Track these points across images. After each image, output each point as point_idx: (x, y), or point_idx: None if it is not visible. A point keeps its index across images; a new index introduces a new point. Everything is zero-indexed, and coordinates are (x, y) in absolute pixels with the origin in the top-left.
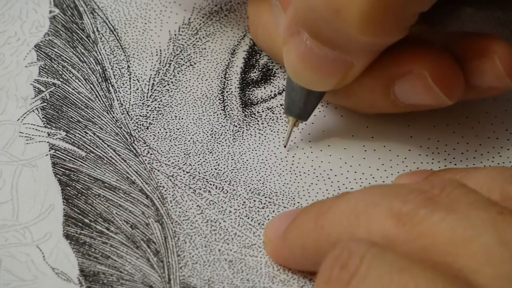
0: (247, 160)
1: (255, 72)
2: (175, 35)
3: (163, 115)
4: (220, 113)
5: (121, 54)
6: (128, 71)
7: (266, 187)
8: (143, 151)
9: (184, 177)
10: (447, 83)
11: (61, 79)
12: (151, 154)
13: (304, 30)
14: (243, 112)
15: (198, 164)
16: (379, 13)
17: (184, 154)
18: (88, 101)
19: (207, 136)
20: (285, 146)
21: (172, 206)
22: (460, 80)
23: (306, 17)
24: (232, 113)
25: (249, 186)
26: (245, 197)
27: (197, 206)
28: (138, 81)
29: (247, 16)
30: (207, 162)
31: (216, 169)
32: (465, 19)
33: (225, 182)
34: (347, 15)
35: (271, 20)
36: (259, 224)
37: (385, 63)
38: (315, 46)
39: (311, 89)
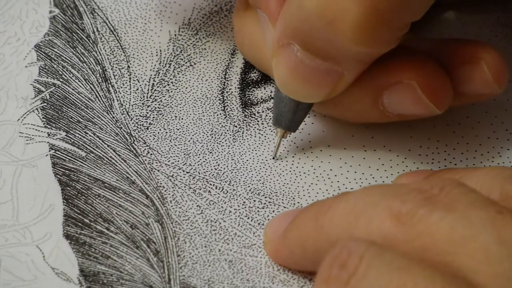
0: (247, 160)
1: (255, 72)
2: (175, 35)
3: (163, 115)
4: (220, 113)
5: (121, 54)
6: (128, 71)
7: (266, 187)
8: (143, 151)
9: (184, 177)
10: (436, 92)
11: (61, 79)
12: (151, 154)
13: (295, 41)
14: (243, 112)
15: (198, 164)
16: (373, 23)
17: (184, 154)
18: (88, 101)
19: (207, 136)
20: (273, 158)
21: (172, 206)
22: (448, 89)
23: (297, 29)
24: (232, 113)
25: (249, 186)
26: (245, 197)
27: (197, 206)
28: (138, 81)
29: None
30: (207, 162)
31: (216, 169)
32: (449, 23)
33: (225, 182)
34: (341, 26)
35: (257, 31)
36: (259, 224)
37: (374, 73)
38: (306, 57)
39: (301, 100)
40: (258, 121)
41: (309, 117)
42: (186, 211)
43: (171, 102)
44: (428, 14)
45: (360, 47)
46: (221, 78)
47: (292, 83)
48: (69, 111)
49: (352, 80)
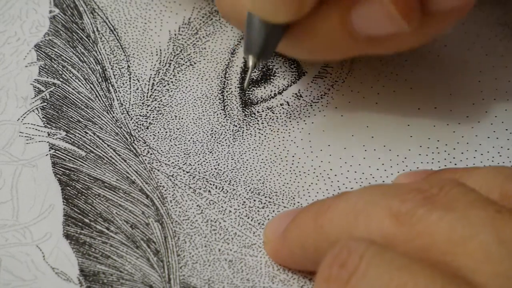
0: (247, 160)
1: (255, 72)
2: (175, 35)
3: (163, 115)
4: (220, 113)
5: (121, 54)
6: (128, 71)
7: (266, 187)
8: (143, 151)
9: (184, 177)
10: (404, 5)
11: (61, 79)
12: (151, 154)
13: None
14: (243, 112)
15: (198, 164)
16: None
17: (184, 154)
18: (88, 101)
19: (207, 136)
20: (244, 88)
21: (172, 206)
22: (415, 2)
23: None
24: (232, 113)
25: (249, 186)
26: (245, 197)
27: (197, 206)
28: (138, 81)
29: None
30: (207, 162)
31: (216, 169)
32: None
33: (225, 182)
34: None
35: None
36: (259, 224)
37: None
38: None
39: (271, 19)
40: (258, 121)
41: (308, 117)
42: (186, 211)
43: (171, 102)
44: None
45: None
46: (221, 77)
47: None
48: (69, 110)
49: None
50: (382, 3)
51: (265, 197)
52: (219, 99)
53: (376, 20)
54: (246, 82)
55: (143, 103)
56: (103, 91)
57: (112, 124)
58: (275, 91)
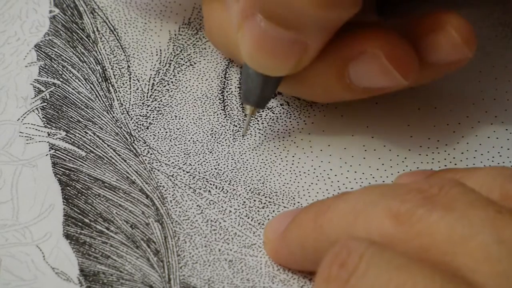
0: (247, 160)
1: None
2: (175, 35)
3: (163, 115)
4: (220, 113)
5: (121, 54)
6: (128, 71)
7: (266, 187)
8: (143, 151)
9: (184, 177)
10: (401, 61)
11: (61, 79)
12: (151, 154)
13: (258, 11)
14: (243, 112)
15: (198, 164)
16: None
17: (184, 154)
18: (88, 101)
19: (207, 136)
20: (243, 136)
21: (172, 206)
22: (413, 57)
23: None
24: (232, 113)
25: (249, 186)
26: (245, 197)
27: (197, 206)
28: (138, 81)
29: None
30: (207, 162)
31: (216, 169)
32: (418, 9)
33: (225, 182)
34: None
35: (224, 17)
36: (259, 224)
37: (338, 45)
38: (269, 28)
39: (268, 74)
40: (258, 121)
41: (308, 117)
42: (186, 211)
43: (171, 102)
44: (400, 6)
45: (319, 10)
46: (221, 78)
47: (257, 55)
48: (69, 110)
49: (317, 51)
50: (379, 59)
51: (265, 197)
52: (219, 99)
53: (373, 75)
54: (244, 130)
55: (143, 103)
56: (103, 91)
57: (112, 124)
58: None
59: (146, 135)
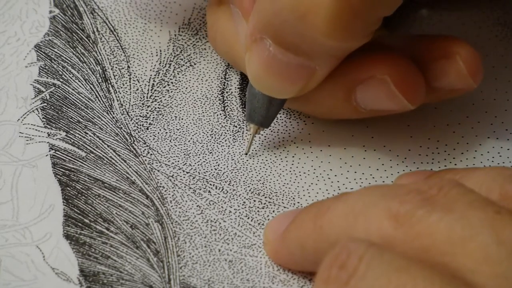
0: (247, 160)
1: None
2: (175, 35)
3: (163, 115)
4: (220, 113)
5: (121, 55)
6: (128, 72)
7: (266, 187)
8: (143, 151)
9: (184, 177)
10: (409, 87)
11: (61, 79)
12: (151, 154)
13: (268, 36)
14: (243, 112)
15: (198, 164)
16: (345, 17)
17: (184, 154)
18: (88, 101)
19: (207, 136)
20: (246, 154)
21: (172, 206)
22: (421, 84)
23: (270, 23)
24: (232, 113)
25: (249, 186)
26: (245, 197)
27: (197, 206)
28: (138, 81)
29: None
30: (207, 162)
31: (216, 169)
32: (422, 21)
33: (225, 182)
34: (313, 19)
35: (229, 27)
36: (259, 224)
37: (346, 68)
38: (278, 52)
39: (273, 96)
40: None
41: (308, 117)
42: (186, 211)
43: (171, 102)
44: (401, 11)
45: (332, 41)
46: (221, 78)
47: (264, 78)
48: (69, 111)
49: (325, 76)
50: (387, 85)
51: (265, 197)
52: (219, 99)
53: (380, 99)
54: (247, 149)
55: (143, 104)
56: (103, 92)
57: (112, 124)
58: None
59: (146, 136)
